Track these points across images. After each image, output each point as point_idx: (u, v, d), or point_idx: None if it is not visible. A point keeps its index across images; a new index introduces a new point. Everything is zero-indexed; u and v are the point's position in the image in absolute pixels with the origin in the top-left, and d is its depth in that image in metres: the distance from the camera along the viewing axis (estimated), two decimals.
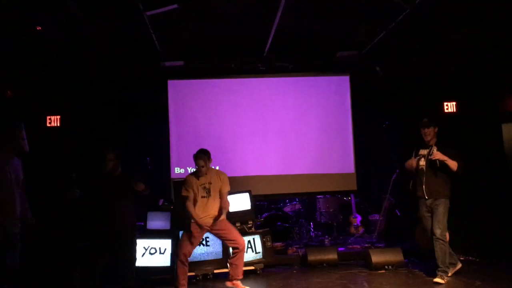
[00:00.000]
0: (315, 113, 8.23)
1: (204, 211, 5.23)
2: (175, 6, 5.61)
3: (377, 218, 7.93)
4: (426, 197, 5.41)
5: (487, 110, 7.63)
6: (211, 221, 5.23)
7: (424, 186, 5.42)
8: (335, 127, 8.23)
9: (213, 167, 5.50)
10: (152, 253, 6.03)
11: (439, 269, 5.34)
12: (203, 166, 5.23)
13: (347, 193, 8.28)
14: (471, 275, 5.62)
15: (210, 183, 5.29)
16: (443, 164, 5.28)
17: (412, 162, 5.57)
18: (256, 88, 8.22)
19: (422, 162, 5.47)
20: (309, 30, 6.76)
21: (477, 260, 6.38)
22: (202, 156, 5.26)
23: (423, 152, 5.52)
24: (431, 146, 5.46)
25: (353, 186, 8.12)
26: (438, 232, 5.32)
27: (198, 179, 5.29)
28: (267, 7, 5.87)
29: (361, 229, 8.05)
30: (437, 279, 5.28)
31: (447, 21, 6.24)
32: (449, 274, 5.44)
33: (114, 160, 5.15)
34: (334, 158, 8.14)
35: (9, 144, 4.18)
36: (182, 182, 5.41)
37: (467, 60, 7.21)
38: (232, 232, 5.35)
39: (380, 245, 7.20)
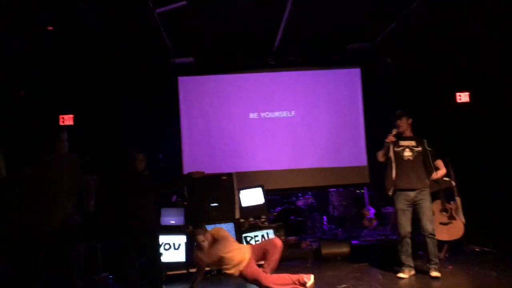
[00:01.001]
0: (326, 107, 8.22)
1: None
2: (184, 2, 5.64)
3: (391, 210, 7.89)
4: (411, 189, 5.19)
5: (502, 100, 7.53)
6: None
7: (411, 178, 5.20)
8: (346, 120, 8.21)
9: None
10: (167, 248, 6.08)
11: (432, 262, 5.17)
12: (203, 241, 4.99)
13: (359, 186, 8.25)
14: (486, 265, 5.57)
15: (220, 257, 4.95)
16: (427, 156, 5.20)
17: (381, 155, 5.40)
18: (266, 83, 8.23)
19: (408, 153, 5.25)
20: (318, 23, 6.73)
21: (493, 251, 6.32)
22: (199, 230, 5.05)
23: (406, 143, 5.30)
24: (414, 137, 5.33)
25: (365, 179, 8.12)
26: (430, 228, 5.15)
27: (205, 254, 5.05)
28: (276, 1, 5.86)
29: (374, 222, 8.02)
30: (435, 273, 5.12)
31: (459, 11, 6.18)
32: (407, 276, 5.23)
33: (144, 160, 5.19)
34: (346, 151, 8.14)
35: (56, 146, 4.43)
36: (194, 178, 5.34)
37: (480, 49, 7.12)
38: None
39: (394, 237, 7.16)
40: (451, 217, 6.11)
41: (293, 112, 8.18)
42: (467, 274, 5.35)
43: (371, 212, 8.08)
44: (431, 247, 5.17)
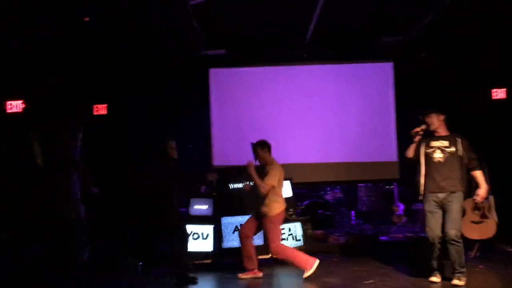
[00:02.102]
0: (357, 101, 8.15)
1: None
2: None
3: (421, 207, 7.77)
4: (441, 192, 4.86)
5: None
6: None
7: (439, 180, 4.86)
8: (377, 115, 8.14)
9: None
10: (195, 238, 6.16)
11: (457, 271, 4.77)
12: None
13: (389, 181, 8.17)
14: None
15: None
16: (463, 158, 4.88)
17: (410, 151, 5.10)
18: (297, 76, 8.21)
19: (439, 154, 4.92)
20: (352, 15, 6.66)
21: None
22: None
23: (437, 143, 4.98)
24: (448, 137, 4.99)
25: (395, 174, 8.04)
26: (452, 233, 4.71)
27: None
28: None
29: (403, 218, 7.93)
30: (455, 282, 4.74)
31: (497, 4, 6.01)
32: (439, 280, 4.92)
33: (176, 148, 5.35)
34: (376, 146, 8.07)
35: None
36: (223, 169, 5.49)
37: None
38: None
39: (423, 235, 7.06)
40: (484, 216, 5.97)
41: (324, 106, 8.13)
42: (497, 274, 5.24)
43: (400, 208, 7.99)
44: (454, 254, 4.76)
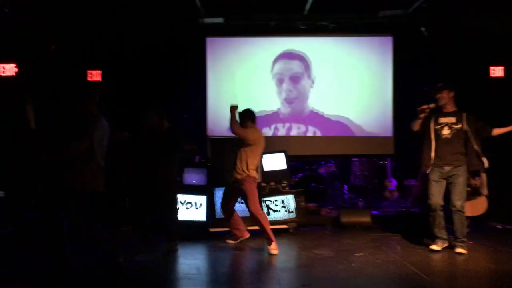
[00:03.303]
0: (355, 74, 8.09)
1: None
2: None
3: (413, 183, 7.83)
4: (447, 165, 5.17)
5: None
6: None
7: (447, 156, 5.16)
8: (375, 90, 8.10)
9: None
10: (188, 207, 6.18)
11: (458, 240, 5.15)
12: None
13: (383, 156, 8.18)
14: (507, 243, 5.55)
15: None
16: (467, 134, 5.14)
17: (416, 125, 5.33)
18: (295, 47, 8.10)
19: (446, 131, 5.18)
20: None
21: None
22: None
23: (446, 120, 5.22)
24: (455, 112, 5.23)
25: (390, 150, 8.05)
26: (458, 204, 5.12)
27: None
28: None
29: (395, 194, 7.98)
30: (459, 250, 5.09)
31: None
32: (439, 248, 5.22)
33: (157, 117, 5.28)
34: (372, 121, 8.06)
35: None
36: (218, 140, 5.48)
37: None
38: None
39: (414, 210, 7.14)
40: (475, 193, 6.03)
41: (320, 78, 8.07)
42: (486, 251, 5.32)
43: (393, 183, 8.03)
44: (458, 223, 5.14)
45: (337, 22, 7.78)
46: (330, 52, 8.10)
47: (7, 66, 6.97)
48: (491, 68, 7.53)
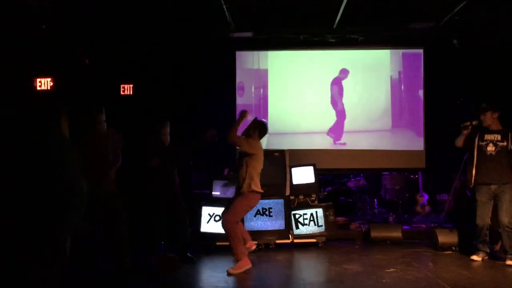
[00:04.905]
0: (385, 88, 8.03)
1: None
2: None
3: (446, 198, 7.66)
4: (493, 183, 5.26)
5: None
6: None
7: (491, 173, 5.27)
8: (406, 103, 8.03)
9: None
10: (217, 220, 6.20)
11: (509, 253, 5.25)
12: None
13: (415, 170, 8.05)
14: None
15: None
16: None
17: (460, 142, 5.49)
18: (324, 60, 8.10)
19: (491, 148, 5.29)
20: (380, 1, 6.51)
21: None
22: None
23: (491, 137, 5.33)
24: (501, 131, 5.31)
25: (421, 164, 7.93)
26: (506, 220, 5.20)
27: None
28: None
29: (427, 208, 7.82)
30: (509, 262, 5.19)
31: None
32: (480, 259, 5.40)
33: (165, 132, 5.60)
34: (403, 135, 7.98)
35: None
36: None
37: None
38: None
39: (447, 225, 6.97)
40: None
41: (351, 93, 8.03)
42: None
43: (424, 198, 7.89)
44: (506, 239, 5.24)
45: (367, 35, 7.74)
46: (360, 65, 8.06)
47: (43, 80, 7.19)
48: None
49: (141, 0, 6.30)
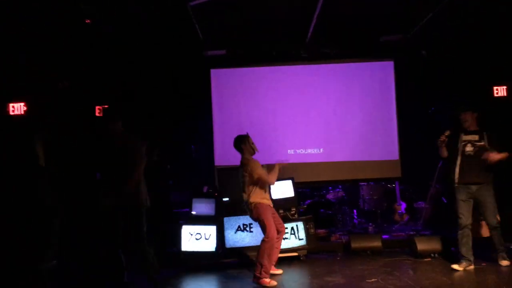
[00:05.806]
0: (358, 100, 8.17)
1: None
2: None
3: (423, 205, 7.78)
4: (472, 183, 5.29)
5: None
6: None
7: (470, 173, 5.30)
8: (379, 114, 8.16)
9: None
10: (198, 238, 6.18)
11: (499, 251, 5.35)
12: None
13: (391, 180, 8.16)
14: None
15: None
16: (490, 151, 5.21)
17: (444, 153, 5.49)
18: (298, 75, 8.22)
19: (469, 148, 5.34)
20: (352, 14, 6.66)
21: None
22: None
23: (469, 137, 5.38)
24: (478, 131, 5.38)
25: (397, 173, 8.06)
26: (494, 221, 5.30)
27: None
28: None
29: (406, 217, 7.92)
30: (503, 262, 5.30)
31: (497, 1, 6.00)
32: (461, 269, 5.29)
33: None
34: (378, 145, 8.10)
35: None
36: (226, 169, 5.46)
37: None
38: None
39: (426, 233, 7.07)
40: None
41: (325, 105, 8.14)
42: (497, 272, 5.22)
43: (402, 206, 7.99)
44: (496, 238, 5.33)
45: (338, 49, 7.89)
46: (333, 78, 8.20)
47: (16, 105, 7.09)
48: (495, 87, 7.52)
49: (113, 20, 6.30)
